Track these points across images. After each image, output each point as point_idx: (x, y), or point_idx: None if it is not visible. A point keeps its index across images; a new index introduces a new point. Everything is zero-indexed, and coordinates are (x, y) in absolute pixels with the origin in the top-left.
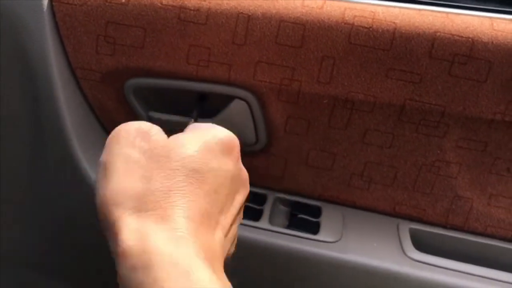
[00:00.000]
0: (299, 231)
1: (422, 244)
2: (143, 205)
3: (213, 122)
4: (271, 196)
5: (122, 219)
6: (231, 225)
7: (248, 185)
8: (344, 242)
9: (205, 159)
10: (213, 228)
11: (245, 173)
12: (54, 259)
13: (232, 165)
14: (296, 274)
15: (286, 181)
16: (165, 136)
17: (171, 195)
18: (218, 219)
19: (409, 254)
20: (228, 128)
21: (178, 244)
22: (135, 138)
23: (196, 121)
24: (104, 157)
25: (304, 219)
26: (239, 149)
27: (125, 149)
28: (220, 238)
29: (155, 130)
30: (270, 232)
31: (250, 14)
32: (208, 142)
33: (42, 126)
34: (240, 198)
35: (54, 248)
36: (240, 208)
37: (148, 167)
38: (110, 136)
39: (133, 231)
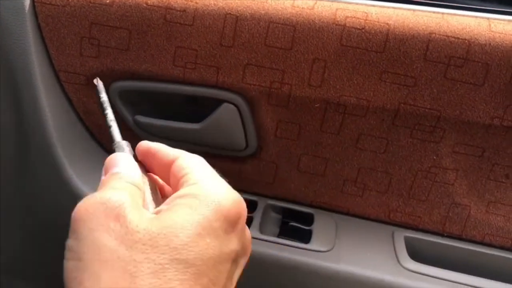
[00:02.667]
0: (290, 240)
1: (417, 253)
2: None
3: (201, 127)
4: (262, 203)
5: None
6: None
7: (250, 249)
8: (337, 251)
9: (201, 246)
10: None
11: (248, 238)
12: (48, 268)
13: (236, 241)
14: (287, 285)
15: (277, 187)
16: (142, 212)
17: None
18: None
19: (404, 263)
20: (217, 133)
21: None
22: (106, 218)
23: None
24: (72, 243)
25: (295, 227)
26: (245, 215)
27: (96, 233)
28: None
29: (127, 206)
30: (260, 241)
31: (238, 15)
32: (206, 223)
33: (26, 130)
34: (239, 271)
35: (48, 257)
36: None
37: (130, 259)
38: (74, 215)
39: None
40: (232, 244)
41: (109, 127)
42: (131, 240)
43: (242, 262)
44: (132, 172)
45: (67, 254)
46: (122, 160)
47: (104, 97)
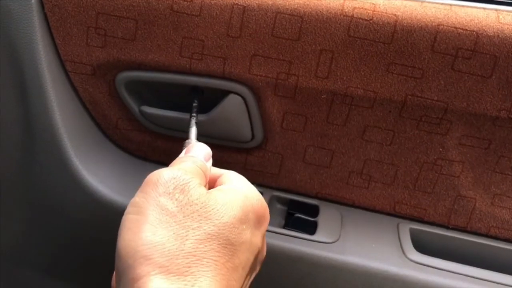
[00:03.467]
0: (296, 231)
1: (422, 245)
2: (173, 266)
3: (207, 118)
4: (268, 194)
5: (149, 276)
6: None
7: (261, 264)
8: (342, 243)
9: (240, 229)
10: None
11: (265, 251)
12: (53, 258)
13: (260, 240)
14: (292, 275)
15: (282, 178)
16: (204, 190)
17: (204, 263)
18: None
19: (409, 255)
20: (223, 124)
21: None
22: (174, 189)
23: (196, 118)
24: (139, 200)
25: (301, 219)
26: (268, 220)
27: (162, 198)
28: None
29: (194, 184)
30: (266, 232)
31: (245, 5)
32: (245, 211)
33: (32, 120)
34: (252, 277)
35: (53, 247)
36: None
37: (185, 224)
38: (148, 179)
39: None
40: (258, 240)
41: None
42: (190, 210)
43: (258, 267)
44: (202, 159)
45: (130, 208)
46: (199, 149)
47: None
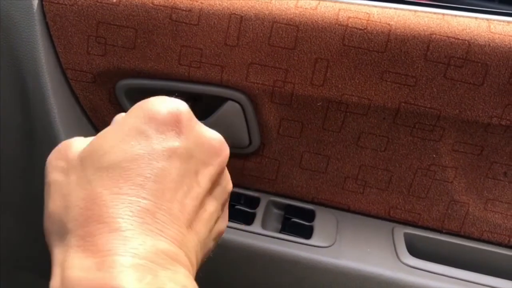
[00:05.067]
0: (292, 235)
1: (417, 249)
2: (63, 227)
3: (205, 124)
4: (264, 199)
5: (53, 250)
6: (201, 210)
7: (226, 152)
8: (338, 247)
9: (124, 150)
10: (161, 226)
11: (214, 140)
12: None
13: (177, 139)
14: (288, 279)
15: (279, 183)
16: (78, 144)
17: (92, 207)
18: (172, 211)
19: (403, 259)
20: (221, 130)
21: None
22: (56, 160)
23: None
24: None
25: (297, 223)
26: (190, 117)
27: (50, 176)
28: (182, 234)
29: (75, 143)
30: (262, 237)
31: (242, 15)
32: (129, 129)
33: (33, 126)
34: (207, 172)
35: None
36: (214, 185)
37: (65, 183)
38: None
39: (57, 265)
40: (169, 141)
41: None
42: (69, 170)
43: (213, 166)
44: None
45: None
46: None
47: None
